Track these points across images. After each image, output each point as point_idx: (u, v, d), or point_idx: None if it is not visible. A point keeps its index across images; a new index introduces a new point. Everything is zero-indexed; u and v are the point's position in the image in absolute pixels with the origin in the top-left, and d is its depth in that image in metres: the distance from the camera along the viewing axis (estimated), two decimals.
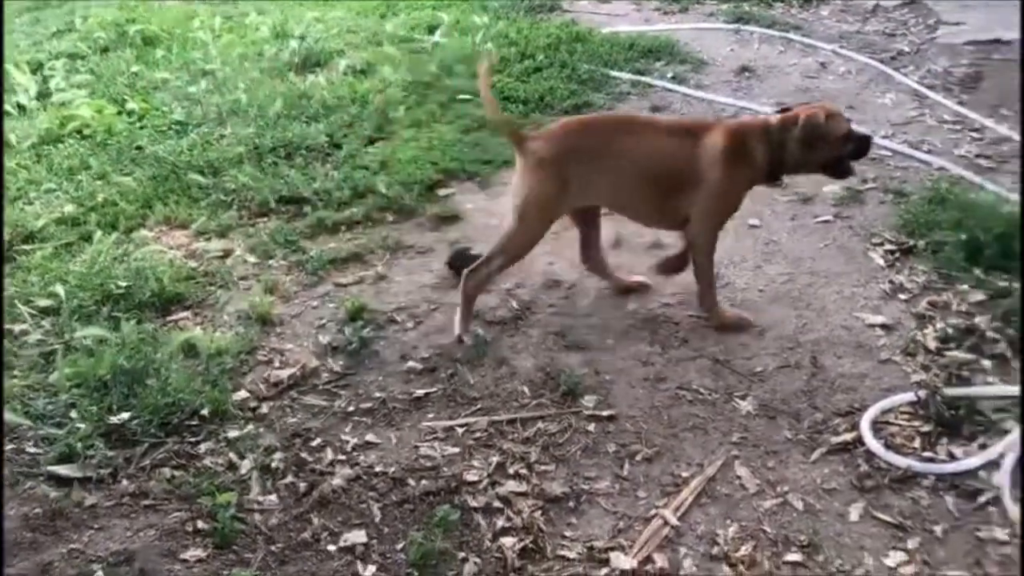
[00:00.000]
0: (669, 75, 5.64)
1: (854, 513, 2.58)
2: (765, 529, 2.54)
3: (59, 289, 3.63)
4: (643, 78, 5.57)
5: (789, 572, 2.42)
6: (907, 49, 5.86)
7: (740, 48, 6.08)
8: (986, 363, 3.08)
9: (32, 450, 2.91)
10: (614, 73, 5.66)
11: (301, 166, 4.69)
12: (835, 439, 2.84)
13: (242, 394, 3.17)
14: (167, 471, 2.82)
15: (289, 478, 2.81)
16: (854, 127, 3.32)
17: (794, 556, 2.45)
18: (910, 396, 2.93)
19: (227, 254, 4.02)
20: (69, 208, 4.32)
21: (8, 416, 3.00)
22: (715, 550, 2.48)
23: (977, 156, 4.45)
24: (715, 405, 3.03)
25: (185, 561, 2.49)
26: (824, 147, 3.21)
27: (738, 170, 3.23)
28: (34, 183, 4.57)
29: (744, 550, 2.47)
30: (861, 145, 3.31)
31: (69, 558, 2.49)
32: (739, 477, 2.73)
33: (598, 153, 3.25)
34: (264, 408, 3.12)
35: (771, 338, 3.32)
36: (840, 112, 3.31)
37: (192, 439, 2.97)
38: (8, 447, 2.93)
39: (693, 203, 3.26)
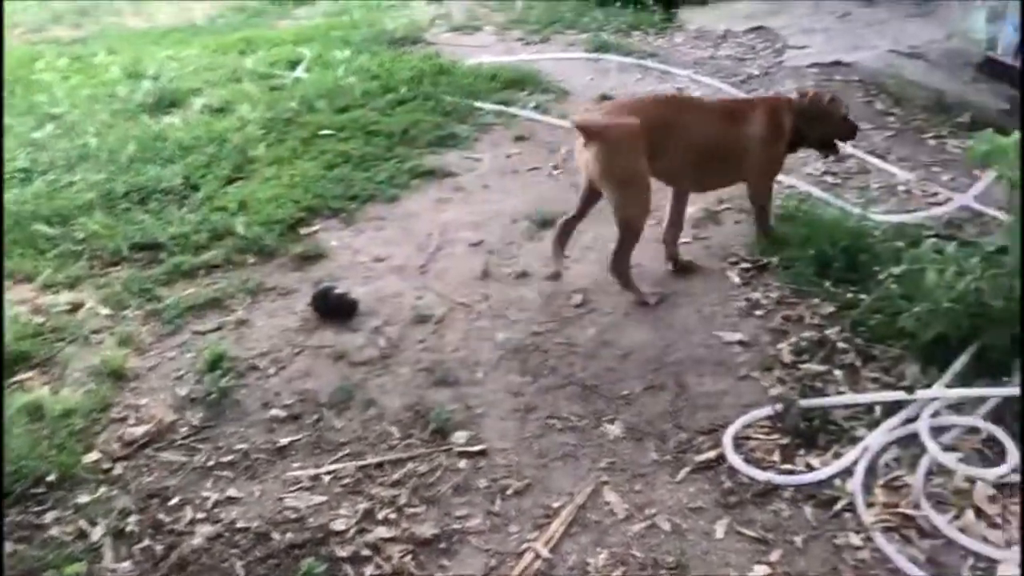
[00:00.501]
0: (532, 105, 5.71)
1: (719, 530, 2.62)
2: (635, 554, 2.56)
3: None
4: (507, 108, 5.62)
5: None
6: (756, 72, 6.11)
7: (600, 77, 6.21)
8: (837, 373, 3.20)
9: None
10: (478, 104, 5.69)
11: (156, 211, 4.51)
12: (699, 457, 2.89)
13: (94, 455, 3.01)
14: (8, 546, 2.63)
15: (145, 541, 2.67)
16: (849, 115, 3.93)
17: None
18: (768, 411, 3.02)
19: (77, 307, 3.82)
20: None
21: None
22: None
23: (824, 173, 4.65)
24: (584, 431, 3.04)
25: None
26: (823, 124, 3.84)
27: (777, 137, 3.80)
28: None
29: (616, 574, 2.48)
30: (851, 129, 3.95)
31: None
32: (608, 503, 2.74)
33: (669, 127, 3.65)
34: (118, 469, 2.96)
35: (636, 361, 3.37)
36: (841, 99, 3.94)
37: (37, 508, 2.79)
38: None
39: (746, 168, 3.83)
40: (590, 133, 3.57)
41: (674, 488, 2.79)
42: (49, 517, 2.75)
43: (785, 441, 2.92)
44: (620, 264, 3.70)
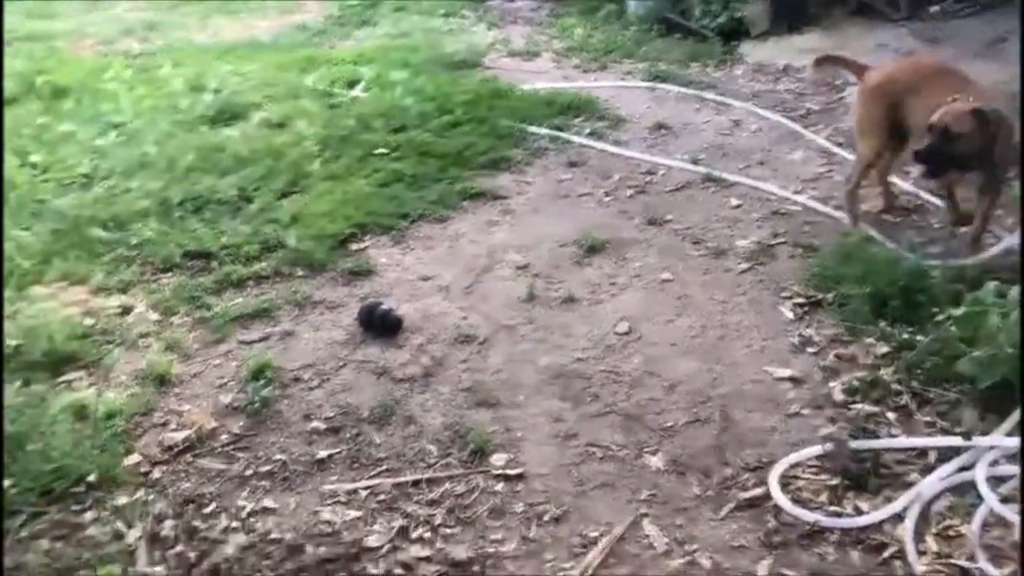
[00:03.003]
0: (587, 131, 5.70)
1: (762, 570, 2.54)
2: None
3: None
4: (561, 134, 5.61)
5: None
6: (816, 108, 6.02)
7: (656, 106, 6.18)
8: (891, 415, 3.09)
9: None
10: (532, 129, 5.69)
11: (210, 220, 4.57)
12: (744, 495, 2.81)
13: (134, 458, 3.02)
14: (46, 543, 2.65)
15: (179, 547, 2.67)
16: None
17: None
18: (817, 450, 2.92)
19: (127, 311, 3.87)
20: None
21: None
22: None
23: (881, 212, 4.55)
24: (625, 462, 2.98)
25: None
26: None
27: None
28: None
29: None
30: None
31: None
32: (647, 536, 2.67)
33: (914, 90, 3.96)
34: (157, 473, 2.97)
35: (682, 392, 3.30)
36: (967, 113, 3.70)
37: (76, 508, 2.81)
38: None
39: None
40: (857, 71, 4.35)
41: (716, 525, 2.71)
42: (88, 517, 2.77)
43: (834, 482, 2.83)
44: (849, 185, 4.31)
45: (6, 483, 2.82)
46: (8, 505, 2.77)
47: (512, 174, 5.14)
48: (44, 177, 5.05)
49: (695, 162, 5.20)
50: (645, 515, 2.75)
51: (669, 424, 3.14)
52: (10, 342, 3.51)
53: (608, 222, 4.54)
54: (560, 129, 5.71)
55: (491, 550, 2.64)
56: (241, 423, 3.18)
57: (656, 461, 2.97)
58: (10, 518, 2.74)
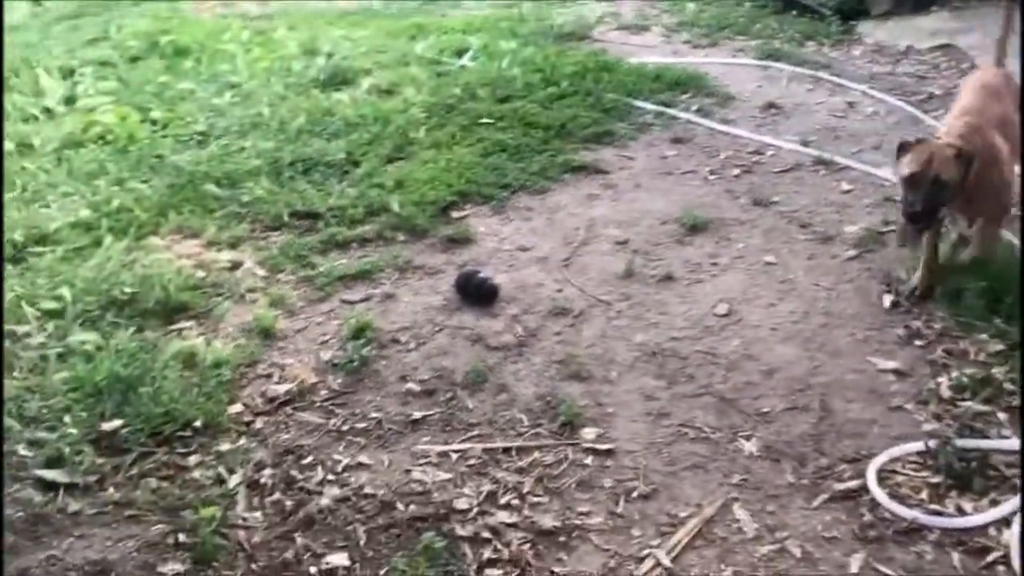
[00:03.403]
0: (694, 108, 5.59)
1: (854, 564, 2.47)
2: None
3: (65, 292, 3.62)
4: (668, 110, 5.52)
5: None
6: (938, 92, 5.75)
7: (768, 85, 6.02)
8: (1002, 416, 2.96)
9: (23, 453, 2.88)
10: (639, 103, 5.62)
11: (318, 182, 4.68)
12: (839, 486, 2.73)
13: (237, 407, 3.13)
14: (153, 482, 2.78)
15: (277, 495, 2.76)
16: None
17: None
18: (920, 446, 2.82)
19: (236, 266, 4.00)
20: (84, 213, 4.33)
21: None
22: None
23: None
24: (718, 444, 2.94)
25: (162, 575, 2.44)
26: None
27: None
28: (52, 186, 4.60)
29: None
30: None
31: (47, 565, 2.45)
32: (737, 520, 2.63)
33: None
34: (259, 423, 3.08)
35: (780, 378, 3.23)
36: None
37: (182, 451, 2.93)
38: None
39: None
40: None
41: (809, 514, 2.65)
42: (192, 460, 2.89)
43: (936, 480, 2.73)
44: None
45: (118, 422, 2.98)
46: (119, 443, 2.92)
47: (615, 148, 5.09)
48: (163, 133, 5.25)
49: (805, 144, 5.05)
50: (736, 499, 2.71)
51: (765, 409, 3.08)
52: (125, 289, 3.67)
53: (712, 201, 4.46)
54: (667, 105, 5.61)
55: (578, 522, 2.65)
56: (340, 380, 3.27)
57: (750, 446, 2.92)
58: (121, 456, 2.88)
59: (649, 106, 5.58)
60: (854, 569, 2.46)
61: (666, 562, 2.49)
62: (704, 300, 3.69)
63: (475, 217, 4.41)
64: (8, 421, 2.97)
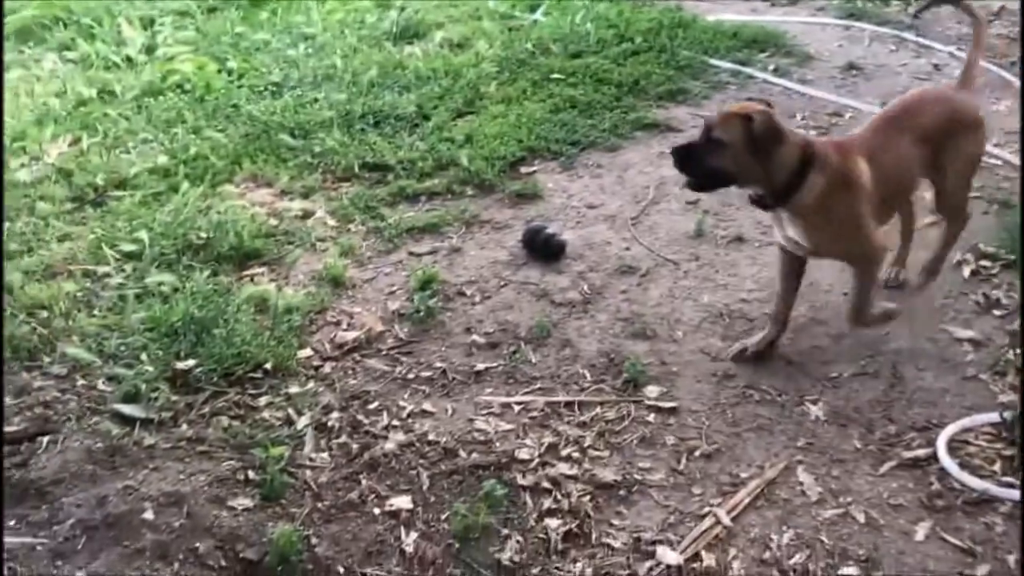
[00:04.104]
0: (771, 67, 5.45)
1: (920, 532, 2.44)
2: (822, 539, 2.42)
3: (143, 235, 3.73)
4: (744, 68, 5.40)
5: None
6: None
7: (850, 45, 5.83)
8: None
9: (101, 387, 3.00)
10: (714, 61, 5.50)
11: (388, 134, 4.70)
12: (908, 454, 2.69)
13: (307, 352, 3.20)
14: (225, 420, 2.87)
15: (343, 438, 2.82)
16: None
17: (850, 570, 2.33)
18: (994, 417, 2.75)
19: (308, 215, 4.06)
20: (162, 159, 4.43)
21: (83, 353, 3.10)
22: (767, 555, 2.39)
23: None
24: (783, 407, 2.91)
25: (232, 509, 2.52)
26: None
27: None
28: (132, 133, 4.71)
29: (797, 558, 2.37)
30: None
31: (123, 494, 2.55)
32: (800, 483, 2.61)
33: None
34: (327, 368, 3.14)
35: (850, 343, 3.17)
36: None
37: (253, 391, 3.01)
38: (79, 382, 3.03)
39: None
40: None
41: (875, 481, 2.61)
42: (262, 401, 2.97)
43: (1009, 453, 2.66)
44: None
45: (192, 362, 3.07)
46: (193, 382, 3.01)
47: (689, 107, 5.01)
48: (239, 83, 5.31)
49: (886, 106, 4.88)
50: (800, 462, 2.68)
51: (833, 374, 3.03)
52: (201, 234, 3.76)
53: None
54: (743, 64, 5.49)
55: (638, 477, 2.65)
56: (406, 329, 3.31)
57: (816, 410, 2.88)
58: (194, 394, 2.98)
59: (725, 64, 5.46)
60: (920, 537, 2.42)
61: (726, 521, 2.49)
62: (774, 263, 3.62)
63: (543, 173, 4.39)
64: (88, 356, 3.09)
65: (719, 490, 2.61)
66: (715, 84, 5.25)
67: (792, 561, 2.36)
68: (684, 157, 2.88)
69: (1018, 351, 3.04)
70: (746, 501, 2.55)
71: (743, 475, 2.65)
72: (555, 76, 5.27)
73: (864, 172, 2.88)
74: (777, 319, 3.12)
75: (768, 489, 2.60)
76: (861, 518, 2.48)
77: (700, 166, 2.84)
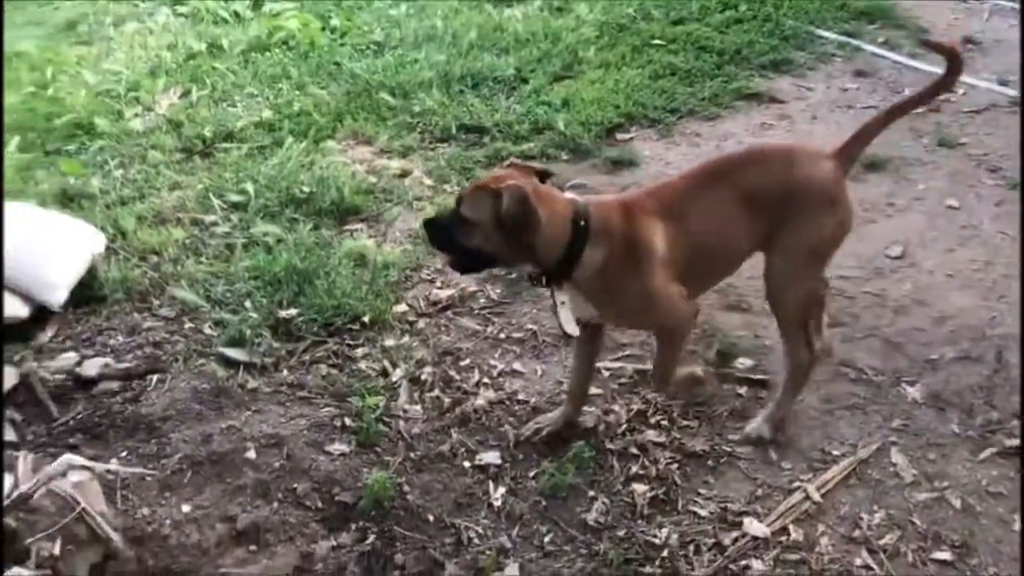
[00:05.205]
0: (881, 39, 5.27)
1: (1019, 522, 2.37)
2: (915, 521, 2.39)
3: (249, 187, 3.85)
4: (852, 40, 5.24)
5: (935, 570, 2.27)
6: None
7: (966, 18, 5.59)
8: None
9: (207, 331, 3.12)
10: (821, 32, 5.35)
11: (486, 96, 4.73)
12: (1009, 441, 2.61)
13: (402, 307, 3.27)
14: (324, 368, 2.96)
15: (435, 392, 2.89)
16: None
17: (943, 555, 2.30)
18: None
19: (405, 174, 4.12)
20: (267, 113, 4.55)
21: (192, 297, 3.23)
22: (856, 533, 2.36)
23: None
24: (879, 387, 2.85)
25: (329, 453, 2.62)
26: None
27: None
28: (239, 87, 4.84)
29: (888, 539, 2.34)
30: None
31: (227, 433, 2.67)
32: (894, 464, 2.57)
33: None
34: (421, 323, 3.20)
35: (953, 326, 3.08)
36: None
37: (351, 342, 3.10)
38: (187, 326, 3.16)
39: None
40: None
41: (973, 467, 2.55)
42: (359, 352, 3.05)
43: None
44: None
45: (293, 311, 3.17)
46: (294, 330, 3.11)
47: (792, 78, 4.90)
48: (341, 41, 5.41)
49: (1003, 83, 4.70)
50: (894, 443, 2.64)
51: (934, 357, 2.96)
52: (304, 188, 3.86)
53: (893, 139, 4.19)
54: (851, 35, 5.33)
55: (727, 448, 2.65)
56: (499, 291, 3.35)
57: (914, 392, 2.82)
58: (295, 342, 3.08)
59: (832, 35, 5.31)
60: (1018, 527, 2.36)
61: (816, 496, 2.47)
62: (877, 240, 3.54)
63: (641, 140, 4.36)
64: (197, 300, 3.22)
65: (809, 466, 2.58)
66: (821, 55, 5.11)
67: (882, 541, 2.33)
68: (435, 233, 2.41)
69: None
70: (837, 479, 2.52)
71: (835, 453, 2.62)
72: (655, 42, 5.21)
73: (657, 234, 2.39)
74: (573, 395, 2.70)
75: (860, 468, 2.56)
76: (957, 503, 2.43)
77: (453, 245, 2.38)
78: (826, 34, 5.33)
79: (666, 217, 2.41)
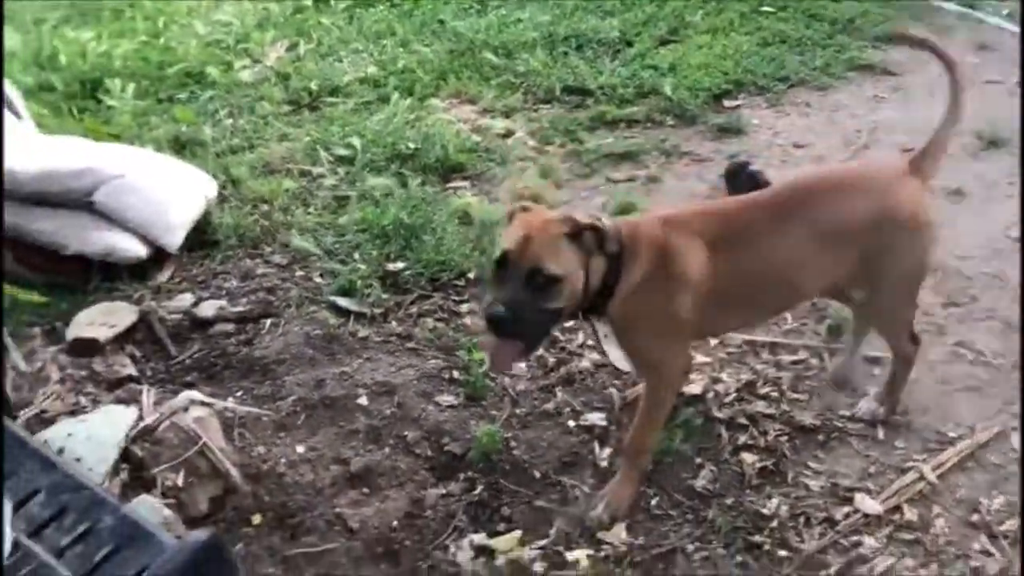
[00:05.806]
0: (1005, 11, 5.05)
1: (1020, 521, 2.29)
2: None
3: (356, 142, 3.89)
4: (974, 12, 5.03)
5: None
6: None
7: None
8: None
9: (318, 279, 3.19)
10: (939, 3, 5.15)
11: (590, 59, 4.69)
12: None
13: None
14: (431, 321, 3.00)
15: (540, 351, 2.89)
16: None
17: None
18: None
19: (509, 134, 4.12)
20: (372, 69, 4.59)
21: (304, 244, 3.30)
22: (974, 518, 2.30)
23: None
24: (999, 370, 2.76)
25: (438, 404, 2.65)
26: None
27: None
28: (344, 42, 4.89)
29: (1009, 524, 2.27)
30: None
31: (339, 379, 2.73)
32: (1015, 450, 2.49)
33: None
34: None
35: None
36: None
37: (456, 298, 3.12)
38: (298, 273, 3.23)
39: None
40: None
41: None
42: (464, 308, 3.08)
43: None
44: None
45: (401, 264, 3.20)
46: (402, 283, 3.15)
47: (908, 50, 4.70)
48: None
49: None
50: (1015, 428, 2.55)
51: None
52: (409, 144, 3.89)
53: (1016, 115, 4.05)
54: (972, 7, 5.11)
55: (838, 424, 2.60)
56: None
57: None
58: (403, 295, 3.11)
59: (952, 7, 5.11)
60: None
61: (931, 477, 2.41)
62: (997, 220, 3.42)
63: (748, 108, 4.27)
64: (309, 247, 3.28)
65: (924, 446, 2.52)
66: (940, 27, 4.90)
67: (1003, 527, 2.26)
68: (510, 319, 2.02)
69: None
70: (954, 461, 2.45)
71: (951, 434, 2.55)
72: (765, 8, 5.09)
73: (695, 262, 2.15)
74: None
75: (978, 452, 2.48)
76: None
77: (533, 323, 2.06)
78: (945, 4, 5.14)
79: (712, 244, 2.17)
